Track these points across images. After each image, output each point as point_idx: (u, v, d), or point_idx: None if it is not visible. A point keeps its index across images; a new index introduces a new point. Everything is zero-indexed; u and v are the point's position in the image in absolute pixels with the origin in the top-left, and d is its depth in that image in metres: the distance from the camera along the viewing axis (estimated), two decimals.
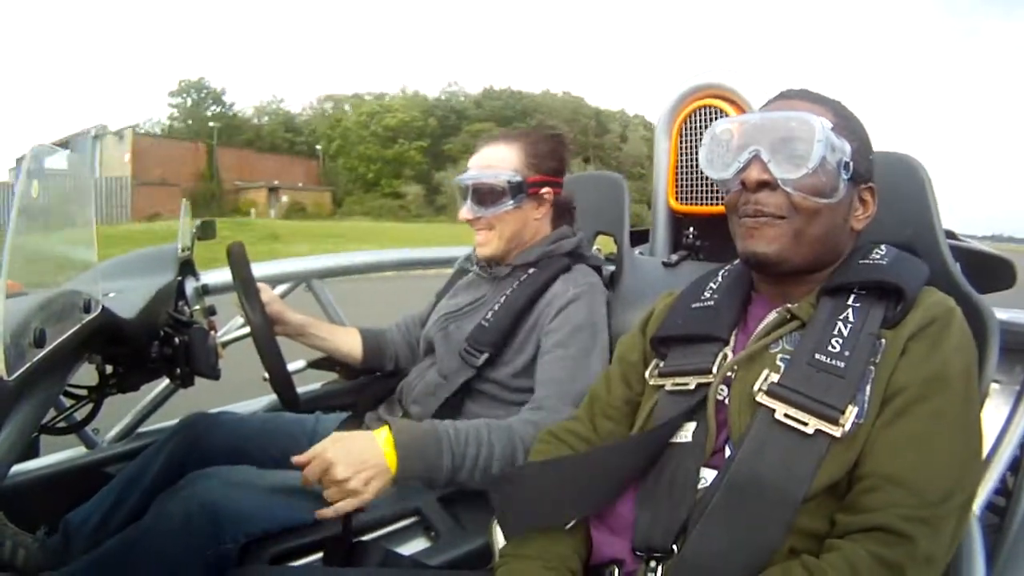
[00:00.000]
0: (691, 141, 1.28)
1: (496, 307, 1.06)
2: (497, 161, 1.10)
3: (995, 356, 0.68)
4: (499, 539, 0.75)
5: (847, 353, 0.61)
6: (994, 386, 0.91)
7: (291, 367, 1.08)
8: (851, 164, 0.68)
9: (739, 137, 0.71)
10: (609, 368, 0.86)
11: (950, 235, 1.06)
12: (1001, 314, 0.87)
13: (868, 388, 0.60)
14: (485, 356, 1.02)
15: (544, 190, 1.11)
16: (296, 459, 0.80)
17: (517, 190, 1.09)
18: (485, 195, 1.09)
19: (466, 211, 1.10)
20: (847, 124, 0.70)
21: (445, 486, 0.87)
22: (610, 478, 0.69)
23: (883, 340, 0.62)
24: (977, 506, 0.76)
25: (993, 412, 0.88)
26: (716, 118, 1.23)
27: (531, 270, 1.09)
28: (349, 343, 1.26)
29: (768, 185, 0.67)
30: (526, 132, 1.14)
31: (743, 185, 0.69)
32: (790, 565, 0.55)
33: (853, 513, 0.56)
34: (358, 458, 0.78)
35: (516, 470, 0.81)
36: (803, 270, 0.70)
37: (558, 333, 1.00)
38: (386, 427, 0.83)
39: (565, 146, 1.16)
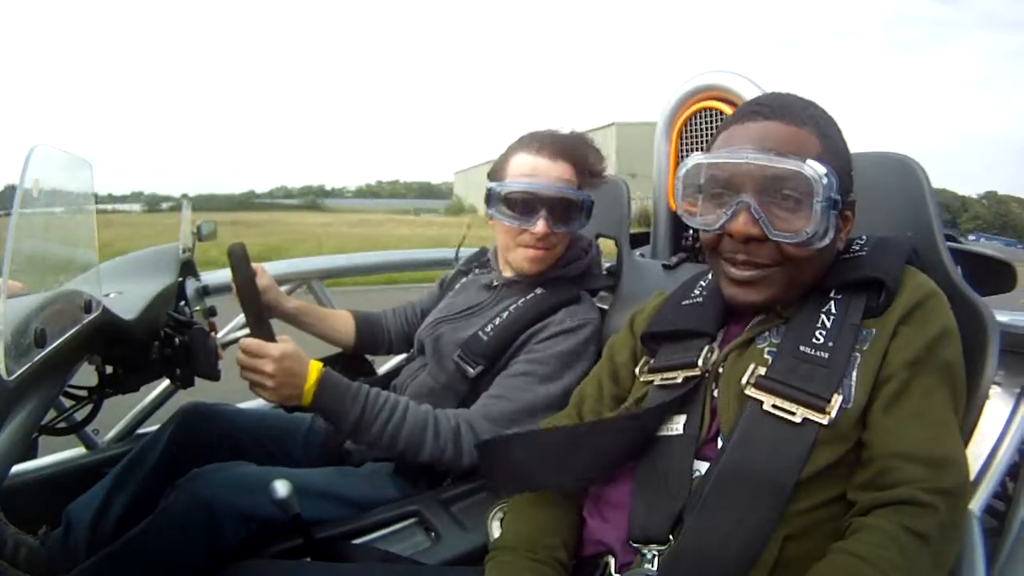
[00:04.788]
0: (692, 144, 1.28)
1: (497, 320, 1.04)
2: (572, 176, 1.05)
3: (995, 358, 0.68)
4: (495, 535, 0.75)
5: (831, 344, 0.63)
6: (995, 388, 0.91)
7: None
8: (839, 200, 0.65)
9: (721, 180, 0.67)
10: (597, 366, 0.86)
11: (950, 238, 1.06)
12: (1003, 316, 0.87)
13: (854, 374, 0.62)
14: (480, 368, 1.01)
15: None
16: (245, 342, 0.86)
17: (590, 210, 1.07)
18: (565, 211, 1.04)
19: (543, 225, 1.02)
20: (831, 145, 0.67)
21: (349, 437, 0.94)
22: (598, 454, 0.69)
23: (872, 330, 0.64)
24: (977, 507, 0.76)
25: (993, 414, 0.88)
26: (717, 120, 1.23)
27: (538, 290, 1.07)
28: (342, 327, 1.27)
29: (757, 237, 0.65)
30: (583, 144, 1.08)
31: (729, 234, 0.66)
32: (834, 559, 0.54)
33: (875, 490, 0.57)
34: (288, 371, 0.85)
35: (503, 437, 0.80)
36: (791, 300, 0.70)
37: (535, 354, 1.00)
38: (322, 365, 0.88)
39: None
